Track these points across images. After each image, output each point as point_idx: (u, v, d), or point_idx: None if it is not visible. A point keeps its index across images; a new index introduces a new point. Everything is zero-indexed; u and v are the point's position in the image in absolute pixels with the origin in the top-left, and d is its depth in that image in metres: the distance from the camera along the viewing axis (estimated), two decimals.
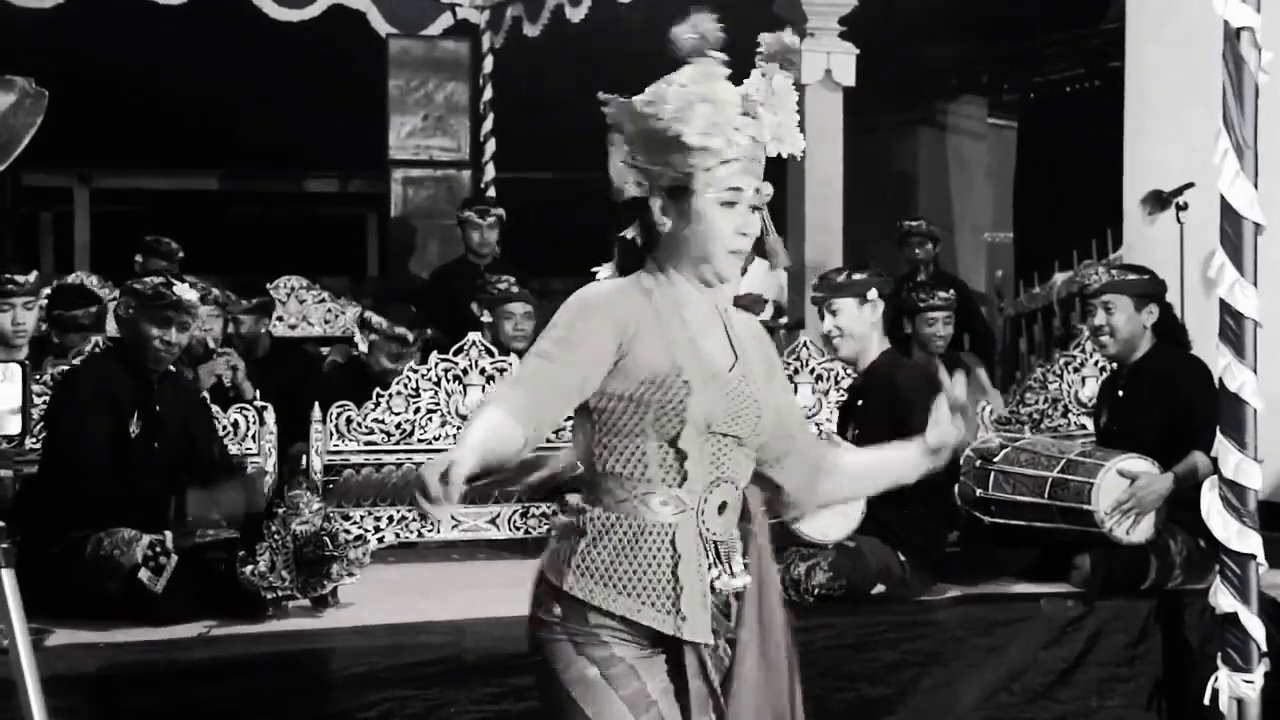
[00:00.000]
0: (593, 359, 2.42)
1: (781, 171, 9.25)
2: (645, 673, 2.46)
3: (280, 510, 4.43)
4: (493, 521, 5.58)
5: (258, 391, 5.67)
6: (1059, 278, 8.57)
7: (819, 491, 2.72)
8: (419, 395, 5.50)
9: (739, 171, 2.46)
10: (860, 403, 4.89)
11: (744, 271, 2.66)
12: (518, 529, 5.60)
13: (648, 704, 2.44)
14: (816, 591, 4.57)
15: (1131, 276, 5.01)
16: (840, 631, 4.52)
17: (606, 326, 2.43)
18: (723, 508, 2.51)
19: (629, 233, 2.56)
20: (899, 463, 2.72)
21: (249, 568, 4.32)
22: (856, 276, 4.81)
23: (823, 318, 4.85)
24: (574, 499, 2.58)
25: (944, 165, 11.69)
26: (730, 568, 2.51)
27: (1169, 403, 4.83)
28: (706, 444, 2.47)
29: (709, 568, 2.48)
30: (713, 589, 2.48)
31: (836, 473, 2.72)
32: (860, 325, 4.77)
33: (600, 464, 2.48)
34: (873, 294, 4.77)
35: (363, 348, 6.26)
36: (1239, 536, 4.03)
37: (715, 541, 2.50)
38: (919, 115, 11.63)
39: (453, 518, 5.49)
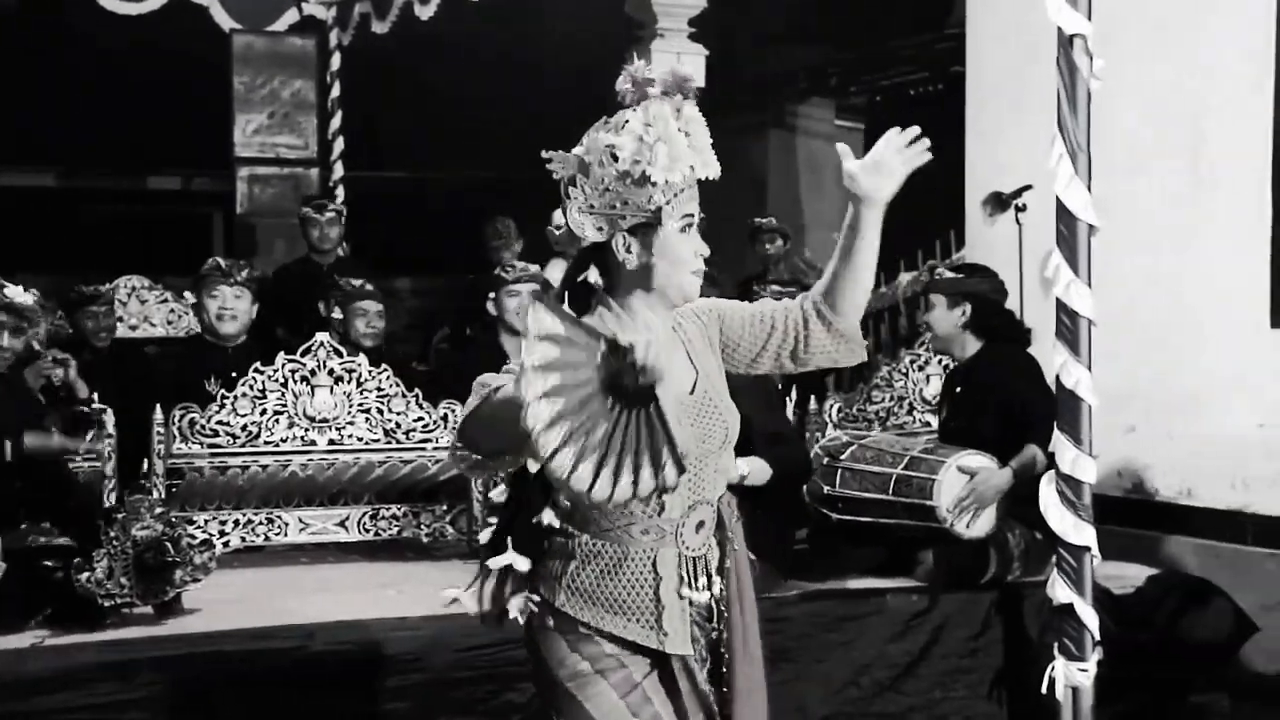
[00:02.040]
0: None
1: None
2: (634, 667, 2.65)
3: (120, 515, 4.31)
4: (342, 524, 5.51)
5: (95, 394, 5.50)
6: (904, 277, 8.74)
7: (838, 304, 2.71)
8: (265, 396, 5.40)
9: (689, 199, 2.64)
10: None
11: (583, 276, 2.69)
12: (367, 531, 5.53)
13: (634, 687, 2.63)
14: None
15: (949, 275, 5.15)
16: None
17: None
18: (700, 526, 2.69)
19: (590, 276, 2.66)
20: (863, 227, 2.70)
21: (85, 574, 4.19)
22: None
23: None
24: (548, 517, 2.69)
25: (794, 166, 11.84)
26: (707, 579, 2.70)
27: (1003, 399, 4.95)
28: (680, 477, 2.56)
29: (687, 584, 2.67)
30: (691, 603, 2.67)
31: (829, 288, 2.71)
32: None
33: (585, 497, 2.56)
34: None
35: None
36: (1075, 530, 4.13)
37: (693, 558, 2.68)
38: (769, 117, 11.76)
39: (299, 520, 5.42)
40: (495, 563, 2.69)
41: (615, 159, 2.58)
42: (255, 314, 6.02)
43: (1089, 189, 4.03)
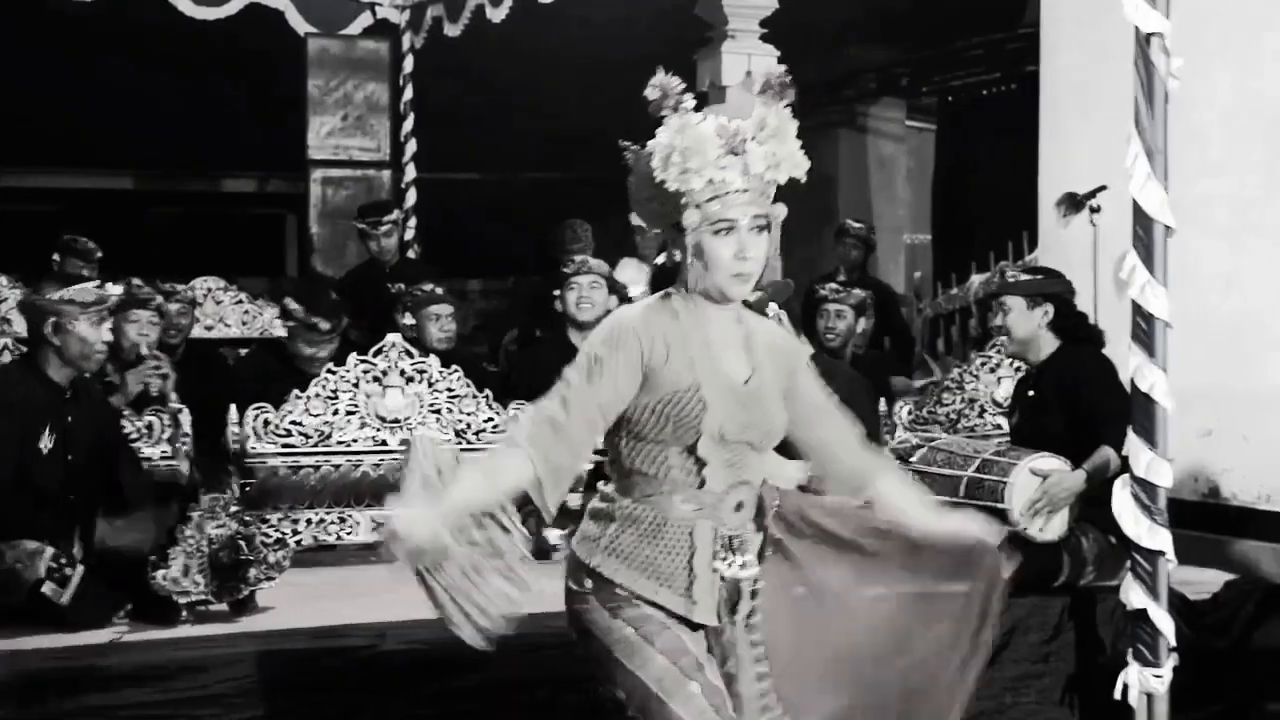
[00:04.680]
0: (615, 390, 2.72)
1: None
2: (677, 628, 2.77)
3: (195, 514, 4.37)
4: None
5: (174, 395, 5.59)
6: (976, 279, 8.66)
7: (861, 496, 2.97)
8: (337, 397, 5.45)
9: (730, 204, 2.70)
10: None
11: (660, 258, 2.88)
12: None
13: (683, 650, 2.74)
14: None
15: (1024, 277, 5.09)
16: None
17: (634, 354, 2.72)
18: (739, 506, 2.81)
19: (661, 259, 2.87)
20: (920, 523, 2.95)
21: (160, 572, 4.26)
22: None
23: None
24: (606, 487, 2.86)
25: (864, 167, 11.79)
26: (740, 559, 2.81)
27: (1075, 401, 4.89)
28: (723, 451, 2.76)
29: (719, 558, 2.78)
30: (721, 577, 2.79)
31: (876, 495, 2.96)
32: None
33: (629, 463, 2.79)
34: (772, 308, 4.77)
35: (282, 332, 6.22)
36: (1150, 534, 4.09)
37: (729, 535, 2.80)
38: (839, 117, 11.71)
39: (372, 520, 5.46)
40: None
41: (649, 165, 2.72)
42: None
43: (1165, 189, 3.99)
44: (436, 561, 2.75)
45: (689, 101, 2.71)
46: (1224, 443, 5.74)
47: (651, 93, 2.71)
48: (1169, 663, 4.10)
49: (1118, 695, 4.14)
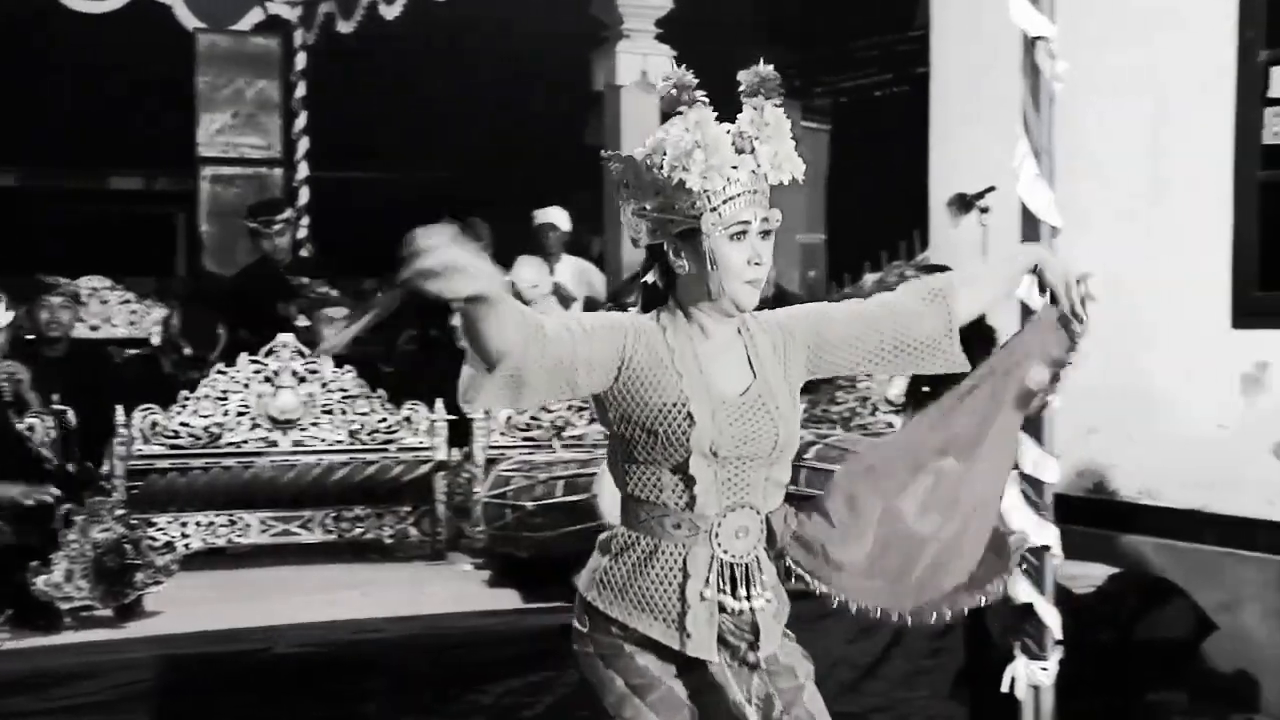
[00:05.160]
0: (596, 349, 2.51)
1: (597, 171, 9.32)
2: (669, 679, 2.61)
3: (79, 518, 4.28)
4: (304, 526, 5.47)
5: (56, 394, 5.45)
6: (869, 278, 8.72)
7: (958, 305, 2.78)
8: (227, 398, 5.37)
9: (743, 205, 2.56)
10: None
11: (647, 276, 2.66)
12: (330, 532, 5.50)
13: (678, 707, 2.60)
14: None
15: (910, 275, 5.15)
16: None
17: (618, 335, 2.54)
18: (742, 531, 2.60)
19: (650, 277, 2.64)
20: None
21: (42, 578, 4.16)
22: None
23: None
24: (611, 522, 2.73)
25: None
26: (748, 590, 2.60)
27: None
28: (719, 469, 2.57)
29: (721, 589, 2.58)
30: (723, 609, 2.58)
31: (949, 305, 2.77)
32: None
33: (627, 489, 2.63)
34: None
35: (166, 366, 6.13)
36: (1037, 529, 4.15)
37: (732, 564, 2.59)
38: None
39: (262, 522, 5.39)
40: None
41: (659, 164, 2.55)
42: None
43: (1052, 190, 4.05)
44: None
45: (704, 97, 2.57)
46: (1109, 440, 5.85)
47: (664, 87, 2.58)
48: (1055, 655, 4.17)
49: (1005, 688, 4.20)
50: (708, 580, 2.57)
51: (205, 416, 5.34)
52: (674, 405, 2.54)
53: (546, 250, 8.86)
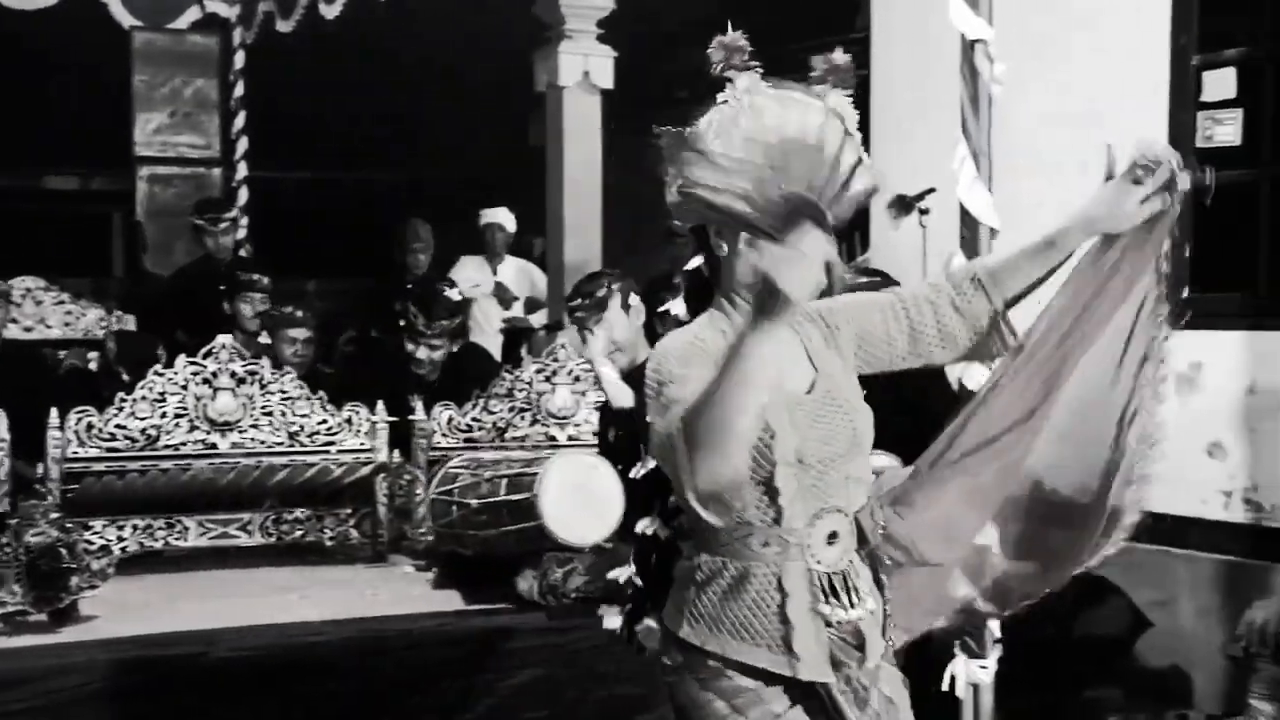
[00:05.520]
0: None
1: (540, 172, 9.32)
2: (772, 701, 2.40)
3: (12, 521, 4.22)
4: (243, 528, 5.43)
5: None
6: None
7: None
8: (165, 400, 5.31)
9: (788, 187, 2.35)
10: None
11: (691, 262, 2.52)
12: (270, 535, 5.45)
13: None
14: (574, 596, 4.60)
15: (862, 279, 5.16)
16: (596, 632, 4.53)
17: (707, 373, 2.26)
18: (833, 537, 2.42)
19: (694, 262, 2.48)
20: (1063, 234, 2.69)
21: None
22: (614, 286, 4.69)
23: (584, 340, 4.70)
24: (651, 526, 2.58)
25: None
26: (849, 598, 2.42)
27: (908, 399, 4.97)
28: (803, 477, 2.38)
29: (823, 602, 2.40)
30: (828, 623, 2.40)
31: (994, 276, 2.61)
32: (628, 334, 4.69)
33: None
34: (633, 300, 4.78)
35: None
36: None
37: (828, 574, 2.41)
38: (675, 119, 11.77)
39: (200, 524, 5.34)
40: (617, 573, 2.58)
41: (701, 140, 2.37)
42: None
43: (990, 192, 4.08)
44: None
45: (756, 65, 2.39)
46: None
47: (715, 52, 2.41)
48: (994, 654, 4.19)
49: (945, 686, 4.22)
50: (810, 596, 2.38)
51: (142, 419, 5.27)
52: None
53: (491, 250, 8.84)
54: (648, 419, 2.34)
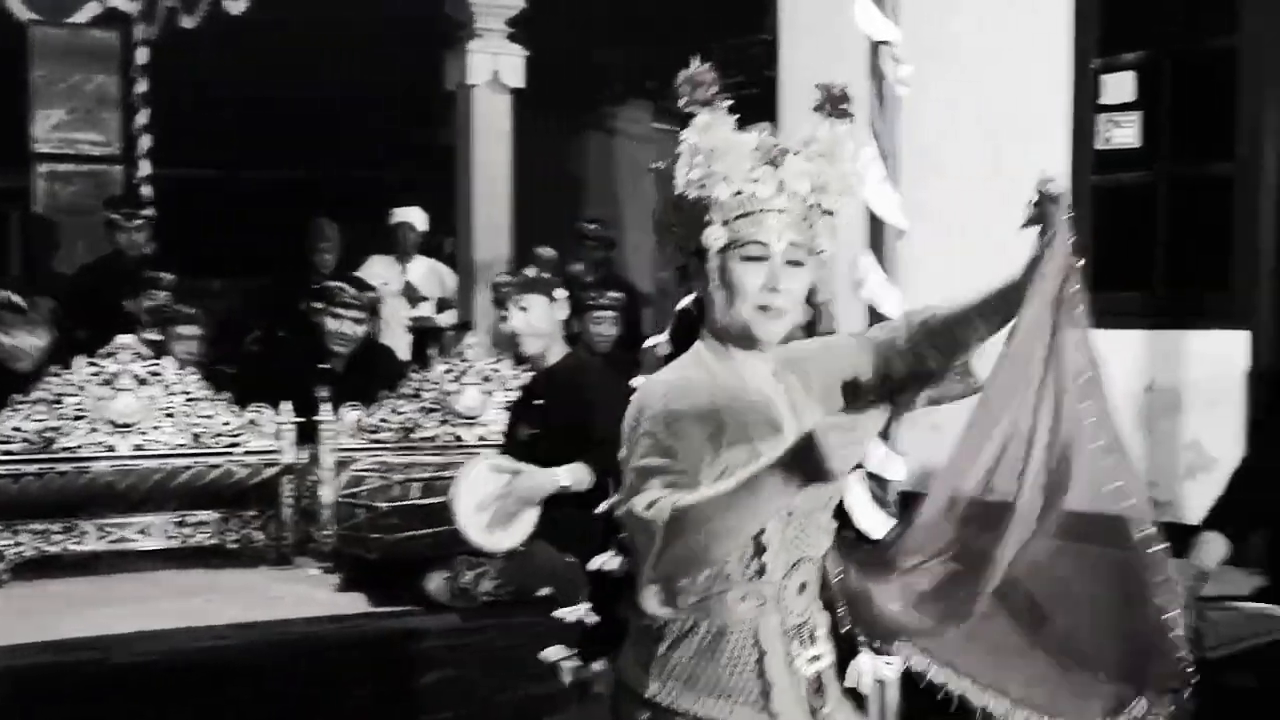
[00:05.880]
0: (695, 467, 2.19)
1: (450, 171, 9.26)
2: None
3: None
4: (144, 531, 5.33)
5: None
6: None
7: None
8: (62, 402, 5.20)
9: (763, 223, 2.27)
10: (539, 402, 4.90)
11: (682, 301, 2.43)
12: (172, 538, 5.37)
13: None
14: (484, 599, 4.59)
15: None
16: (506, 632, 4.52)
17: (697, 431, 2.20)
18: (802, 587, 2.38)
19: (684, 302, 2.40)
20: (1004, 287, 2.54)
21: None
22: (546, 275, 4.86)
23: (505, 316, 4.85)
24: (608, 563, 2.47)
25: (613, 168, 11.87)
26: (813, 649, 2.39)
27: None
28: (788, 529, 2.32)
29: (795, 654, 2.36)
30: (801, 676, 2.37)
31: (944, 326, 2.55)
32: (548, 323, 4.79)
33: None
34: (559, 293, 4.83)
35: None
36: (883, 527, 4.20)
37: (798, 624, 2.37)
38: (588, 119, 11.78)
39: (99, 528, 5.24)
40: (567, 613, 2.47)
41: (674, 174, 2.30)
42: None
43: (898, 193, 4.11)
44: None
45: (723, 100, 2.30)
46: (952, 437, 5.96)
47: (681, 86, 2.29)
48: (900, 651, 4.22)
49: (850, 683, 4.24)
50: (785, 650, 2.34)
51: (39, 420, 5.16)
52: (740, 467, 2.18)
53: (401, 250, 8.78)
54: (622, 460, 2.26)
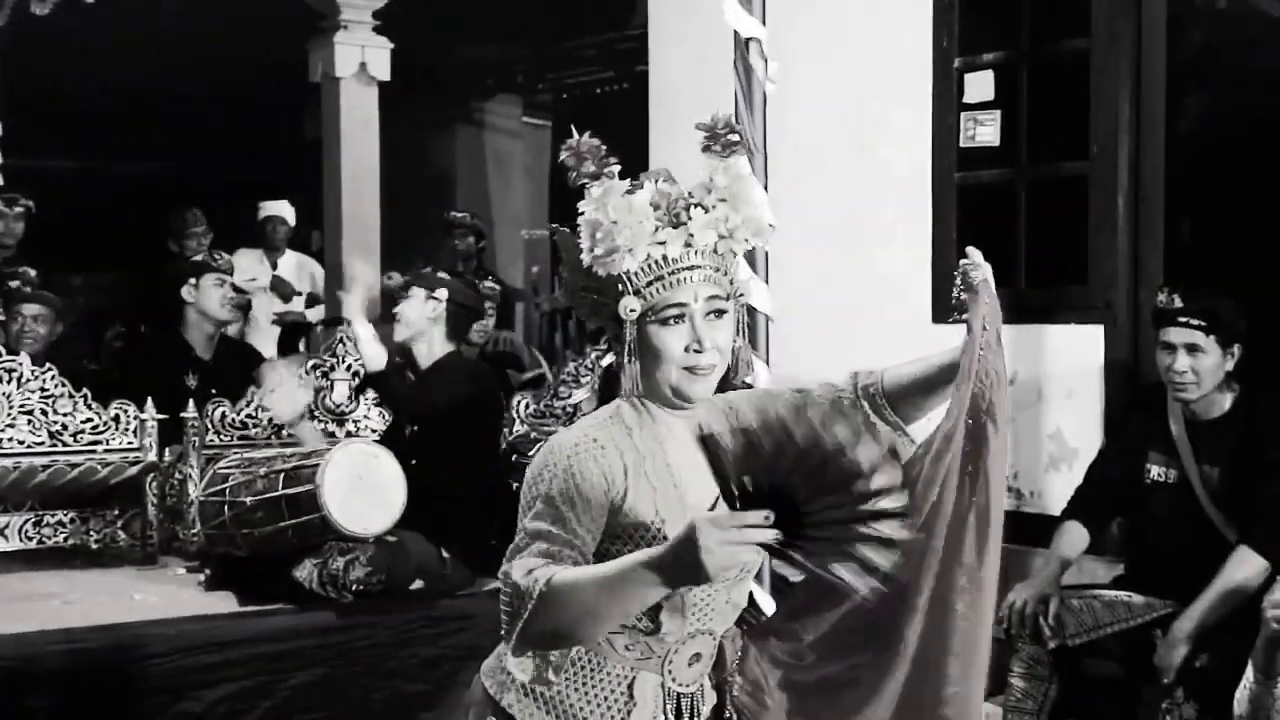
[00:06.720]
0: (590, 535, 2.15)
1: (318, 164, 9.14)
2: None
3: None
4: (0, 532, 5.19)
5: None
6: None
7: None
8: None
9: (677, 285, 2.20)
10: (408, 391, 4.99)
11: (606, 359, 2.36)
12: (29, 539, 5.24)
13: None
14: (355, 587, 4.54)
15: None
16: (378, 629, 4.49)
17: (598, 497, 2.15)
18: (694, 659, 2.30)
19: (607, 359, 2.33)
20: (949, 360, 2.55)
21: None
22: (441, 274, 5.07)
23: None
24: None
25: (482, 162, 11.83)
26: None
27: None
28: (690, 596, 2.24)
29: None
30: None
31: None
32: (419, 316, 4.91)
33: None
34: (442, 294, 4.93)
35: None
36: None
37: (679, 695, 2.30)
38: (456, 113, 11.71)
39: None
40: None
41: (577, 243, 2.23)
42: None
43: (765, 188, 4.15)
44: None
45: (614, 166, 2.23)
46: None
47: (566, 158, 2.23)
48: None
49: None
50: (656, 712, 2.27)
51: None
52: (648, 525, 2.17)
53: (270, 244, 8.66)
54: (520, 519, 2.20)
